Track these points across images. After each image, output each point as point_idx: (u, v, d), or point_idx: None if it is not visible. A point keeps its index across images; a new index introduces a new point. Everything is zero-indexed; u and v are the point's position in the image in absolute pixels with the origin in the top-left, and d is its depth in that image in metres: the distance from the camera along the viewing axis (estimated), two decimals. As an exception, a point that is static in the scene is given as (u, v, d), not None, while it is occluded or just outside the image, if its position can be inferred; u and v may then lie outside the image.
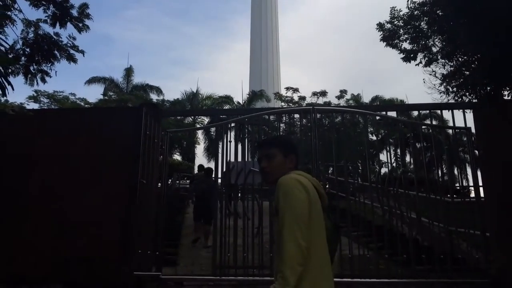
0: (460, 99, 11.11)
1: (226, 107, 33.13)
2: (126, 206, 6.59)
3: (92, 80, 31.29)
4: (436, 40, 11.83)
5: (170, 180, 13.66)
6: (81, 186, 6.82)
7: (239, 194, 8.61)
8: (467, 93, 10.99)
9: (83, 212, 6.69)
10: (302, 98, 32.71)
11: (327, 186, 9.46)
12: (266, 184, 8.56)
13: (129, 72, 32.62)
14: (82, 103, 28.94)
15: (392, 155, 29.68)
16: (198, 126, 28.37)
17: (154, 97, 31.96)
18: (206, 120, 29.67)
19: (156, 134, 7.18)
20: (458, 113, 7.02)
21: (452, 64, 11.55)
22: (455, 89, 11.29)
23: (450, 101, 11.38)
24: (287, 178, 2.10)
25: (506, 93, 10.25)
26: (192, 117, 29.54)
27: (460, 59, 11.25)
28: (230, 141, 7.62)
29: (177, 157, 29.29)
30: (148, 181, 6.87)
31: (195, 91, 33.57)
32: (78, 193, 6.78)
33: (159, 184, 7.95)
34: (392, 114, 8.31)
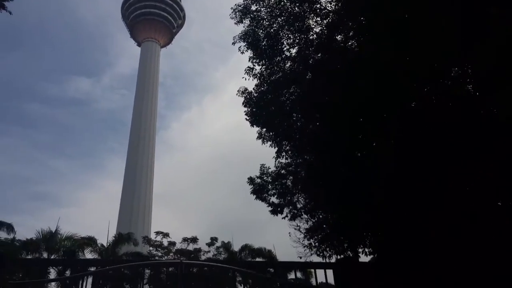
0: (321, 254, 11.82)
1: (88, 249, 30.29)
2: None
3: None
4: (300, 197, 12.94)
5: None
6: None
7: None
8: (327, 248, 11.79)
9: None
10: (172, 244, 31.57)
11: None
12: None
13: (-24, 205, 28.77)
14: None
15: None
16: (52, 269, 25.01)
17: (3, 235, 28.00)
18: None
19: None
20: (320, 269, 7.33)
21: (314, 220, 12.54)
22: (317, 243, 12.06)
23: (312, 255, 12.02)
24: None
25: (360, 250, 11.22)
26: (46, 257, 26.23)
27: (320, 216, 12.31)
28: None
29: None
30: None
31: (53, 231, 30.45)
32: None
33: None
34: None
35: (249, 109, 13.21)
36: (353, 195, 9.29)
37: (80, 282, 6.93)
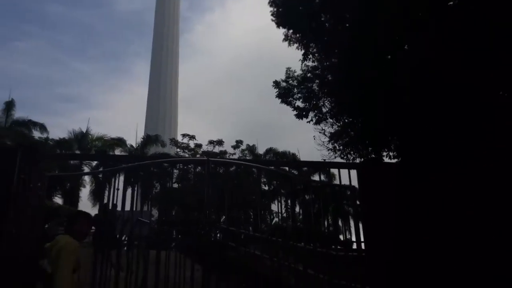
0: (346, 157, 11.99)
1: (118, 150, 31.73)
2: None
3: (-37, 112, 28.12)
4: (326, 101, 12.80)
5: (46, 226, 12.37)
6: None
7: (124, 245, 8.05)
8: (352, 152, 11.93)
9: None
10: (198, 146, 32.62)
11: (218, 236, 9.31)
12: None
13: (9, 105, 29.79)
14: None
15: (283, 206, 30.75)
16: (85, 168, 26.63)
17: (37, 134, 29.41)
18: (94, 161, 27.97)
19: (33, 178, 6.47)
20: (344, 170, 7.46)
21: (339, 124, 12.53)
22: (341, 147, 12.20)
23: (336, 158, 12.22)
24: None
25: (384, 153, 11.33)
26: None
27: (346, 120, 12.26)
28: (118, 189, 7.16)
29: (58, 200, 26.91)
30: (18, 230, 6.10)
31: (84, 131, 31.72)
32: None
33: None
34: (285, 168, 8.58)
35: (275, 9, 12.58)
36: (381, 98, 9.09)
37: (113, 178, 7.25)
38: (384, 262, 6.58)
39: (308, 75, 13.03)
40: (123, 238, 7.63)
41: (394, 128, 9.67)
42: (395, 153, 10.99)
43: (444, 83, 8.10)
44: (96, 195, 28.65)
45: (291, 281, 8.09)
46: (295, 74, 13.51)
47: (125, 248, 7.59)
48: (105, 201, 7.42)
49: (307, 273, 7.94)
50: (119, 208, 7.09)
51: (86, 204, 29.26)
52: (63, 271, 3.43)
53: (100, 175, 23.60)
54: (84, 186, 29.64)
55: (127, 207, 7.44)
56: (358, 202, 7.91)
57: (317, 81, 12.77)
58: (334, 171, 7.96)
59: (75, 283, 3.73)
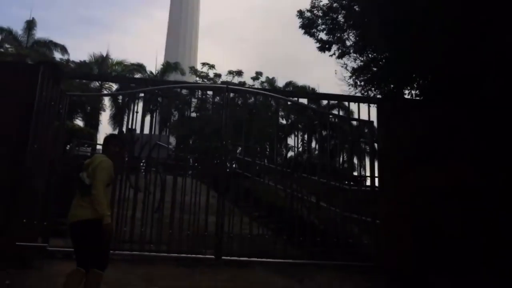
0: (366, 93, 11.72)
1: (138, 75, 31.69)
2: (11, 172, 5.94)
3: (-17, 30, 28.03)
4: (351, 34, 12.28)
5: (68, 147, 12.75)
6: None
7: (142, 167, 8.26)
8: (373, 88, 11.64)
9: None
10: (218, 75, 32.30)
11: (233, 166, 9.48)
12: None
13: (31, 25, 29.56)
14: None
15: (299, 140, 30.90)
16: (105, 92, 26.79)
17: (58, 55, 29.45)
18: (114, 86, 28.10)
19: (54, 96, 6.52)
20: (363, 106, 7.34)
21: (362, 59, 12.11)
22: (362, 83, 11.88)
23: (357, 94, 11.96)
24: None
25: (406, 91, 11.03)
26: (99, 82, 27.78)
27: (370, 55, 11.83)
28: (137, 112, 7.23)
29: (79, 122, 27.47)
30: (40, 146, 6.26)
31: (104, 55, 31.59)
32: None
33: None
34: (303, 101, 8.49)
35: None
36: (413, 30, 8.58)
37: (132, 103, 7.29)
38: (397, 198, 6.65)
39: (334, 5, 12.39)
40: (141, 161, 7.81)
41: (421, 64, 9.24)
42: (417, 91, 10.69)
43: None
44: (116, 119, 29.12)
45: (303, 212, 8.28)
46: (321, 3, 12.88)
47: (143, 171, 7.81)
48: (124, 125, 7.52)
49: (319, 205, 8.12)
50: (137, 132, 7.19)
51: (106, 128, 29.92)
52: (98, 185, 4.04)
53: (120, 98, 23.74)
54: (104, 110, 30.13)
55: (146, 133, 7.54)
56: (375, 139, 7.86)
57: (343, 12, 12.17)
58: (353, 109, 7.85)
59: (108, 194, 4.43)
